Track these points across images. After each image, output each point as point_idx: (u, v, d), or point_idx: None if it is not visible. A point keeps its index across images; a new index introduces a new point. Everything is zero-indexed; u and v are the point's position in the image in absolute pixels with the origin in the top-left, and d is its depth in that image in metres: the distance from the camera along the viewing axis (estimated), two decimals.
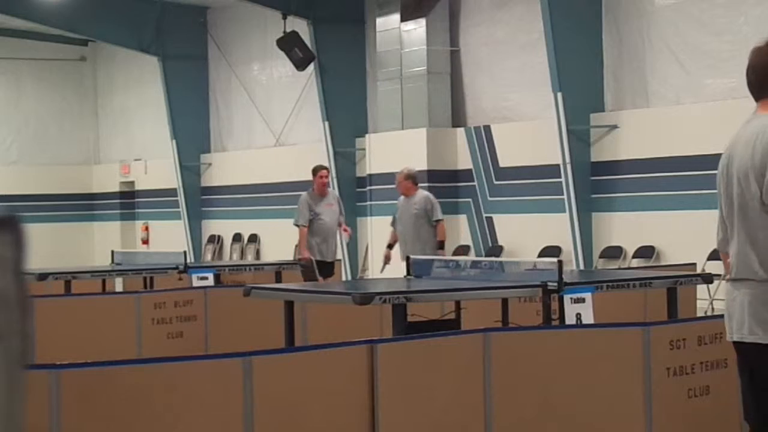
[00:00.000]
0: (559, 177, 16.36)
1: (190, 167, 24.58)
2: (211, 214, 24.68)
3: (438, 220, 12.43)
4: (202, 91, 24.71)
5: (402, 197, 12.69)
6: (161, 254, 15.56)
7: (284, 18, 20.89)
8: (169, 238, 24.98)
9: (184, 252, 13.16)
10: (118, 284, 13.84)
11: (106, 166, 28.32)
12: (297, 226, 13.18)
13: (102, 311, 9.10)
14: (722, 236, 4.58)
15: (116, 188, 27.89)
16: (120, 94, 27.71)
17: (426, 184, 18.25)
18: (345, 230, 13.44)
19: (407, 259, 9.36)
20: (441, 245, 12.50)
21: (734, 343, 4.54)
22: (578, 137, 16.25)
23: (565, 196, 16.30)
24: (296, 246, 14.02)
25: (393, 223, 12.82)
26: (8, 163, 27.69)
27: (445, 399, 5.59)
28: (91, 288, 11.63)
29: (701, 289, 11.50)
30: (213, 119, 24.89)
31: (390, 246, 12.73)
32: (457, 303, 8.32)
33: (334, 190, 13.68)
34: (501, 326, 8.26)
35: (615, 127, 16.10)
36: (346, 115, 20.66)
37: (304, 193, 13.39)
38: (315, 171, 13.36)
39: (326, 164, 20.43)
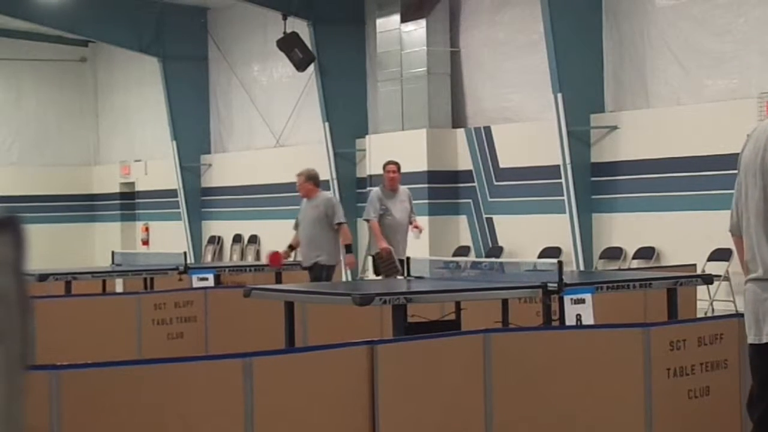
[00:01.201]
0: (559, 178, 16.37)
1: (190, 168, 24.59)
2: (211, 215, 24.69)
3: (339, 223, 11.85)
4: (202, 91, 24.71)
5: (304, 200, 12.17)
6: (161, 255, 15.56)
7: (284, 19, 20.89)
8: (169, 238, 24.98)
9: (184, 253, 13.16)
10: (119, 285, 13.83)
11: (106, 167, 28.32)
12: (367, 221, 12.41)
13: (102, 312, 9.10)
14: (736, 220, 4.50)
15: (116, 189, 27.90)
16: (120, 95, 27.72)
17: (426, 185, 18.30)
18: (416, 227, 12.53)
19: (407, 259, 9.34)
20: (348, 249, 11.93)
21: (763, 344, 4.41)
22: (578, 138, 16.25)
23: (565, 197, 16.30)
24: (369, 242, 13.52)
25: (296, 227, 12.31)
26: (8, 164, 27.70)
27: (445, 399, 5.59)
28: (91, 289, 11.62)
29: (701, 290, 11.49)
30: (213, 120, 24.89)
31: (291, 248, 12.22)
32: (458, 304, 8.32)
33: (405, 187, 13.06)
34: (501, 327, 8.26)
35: (615, 127, 16.10)
36: (347, 115, 20.66)
37: (375, 188, 12.77)
38: (384, 167, 12.64)
39: (327, 166, 20.61)
